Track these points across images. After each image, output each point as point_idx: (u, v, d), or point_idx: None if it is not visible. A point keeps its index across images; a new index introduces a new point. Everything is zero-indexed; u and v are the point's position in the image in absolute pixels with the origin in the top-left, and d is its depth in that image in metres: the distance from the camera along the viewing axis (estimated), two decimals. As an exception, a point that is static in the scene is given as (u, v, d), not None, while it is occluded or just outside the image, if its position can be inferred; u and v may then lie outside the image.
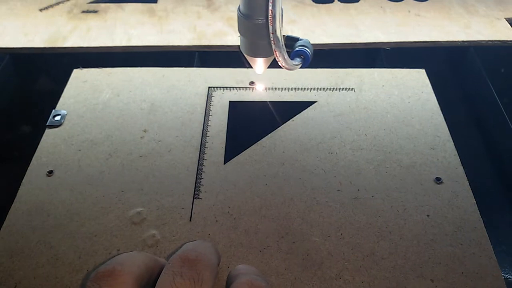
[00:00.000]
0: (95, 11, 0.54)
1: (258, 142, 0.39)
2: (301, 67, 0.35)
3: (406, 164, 0.37)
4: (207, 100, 0.43)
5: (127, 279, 0.23)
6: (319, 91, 0.44)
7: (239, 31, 0.35)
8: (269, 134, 0.40)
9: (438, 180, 0.36)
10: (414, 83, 0.45)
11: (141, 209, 0.34)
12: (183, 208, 0.34)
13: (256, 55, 0.36)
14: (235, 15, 0.52)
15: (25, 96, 0.50)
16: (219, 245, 0.32)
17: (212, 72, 0.46)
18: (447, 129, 0.40)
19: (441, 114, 0.41)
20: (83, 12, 0.54)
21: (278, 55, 0.32)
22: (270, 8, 0.30)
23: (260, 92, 0.43)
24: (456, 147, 0.39)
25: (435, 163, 0.37)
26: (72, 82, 0.45)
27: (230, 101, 0.43)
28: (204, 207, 0.34)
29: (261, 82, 0.44)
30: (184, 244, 0.27)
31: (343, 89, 0.44)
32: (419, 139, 0.39)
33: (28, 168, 0.37)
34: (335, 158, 0.38)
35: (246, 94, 0.43)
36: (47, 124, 0.40)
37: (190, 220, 0.33)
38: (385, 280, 0.30)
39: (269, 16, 0.30)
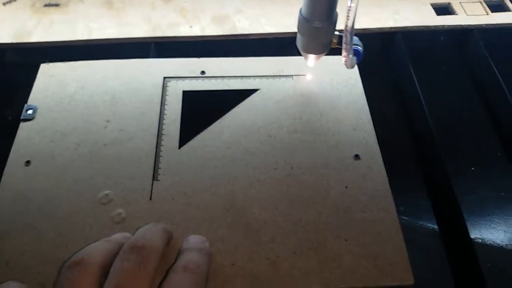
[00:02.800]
0: (56, 5, 0.58)
1: (208, 128, 0.45)
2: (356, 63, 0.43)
3: (332, 144, 0.44)
4: (162, 90, 0.49)
5: (93, 266, 0.30)
6: (262, 79, 0.50)
7: (298, 30, 0.42)
8: (217, 121, 0.46)
9: (356, 157, 0.43)
10: (344, 69, 0.51)
11: (108, 192, 0.40)
12: (144, 189, 0.41)
13: (310, 52, 0.44)
14: (188, 6, 0.58)
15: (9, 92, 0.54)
16: (176, 219, 0.39)
17: (167, 63, 0.51)
18: (368, 111, 0.47)
19: (365, 98, 0.48)
20: (45, 5, 0.58)
21: (346, 61, 0.41)
22: (347, 23, 0.38)
23: (210, 82, 0.49)
24: (378, 128, 0.46)
25: (356, 142, 0.44)
26: (40, 76, 0.50)
27: (183, 91, 0.49)
28: (162, 187, 0.41)
29: (212, 71, 0.50)
30: (139, 228, 0.34)
31: (282, 76, 0.50)
32: (344, 121, 0.46)
33: (8, 160, 0.43)
34: (274, 141, 0.44)
35: (198, 84, 0.49)
36: (21, 118, 0.46)
37: (150, 199, 0.40)
38: (309, 241, 0.38)
39: (345, 29, 0.38)
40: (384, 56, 0.60)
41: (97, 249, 0.32)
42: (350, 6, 0.37)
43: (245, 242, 0.38)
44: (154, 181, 0.41)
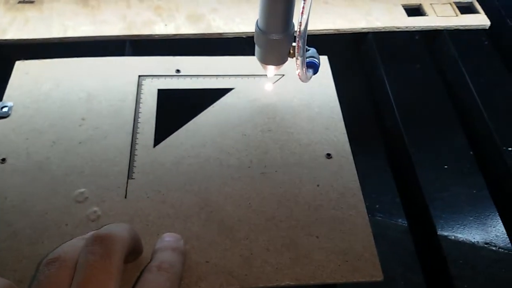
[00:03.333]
0: (31, 2, 0.58)
1: (183, 126, 0.46)
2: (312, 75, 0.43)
3: (304, 142, 0.45)
4: (137, 88, 0.49)
5: (69, 263, 0.30)
6: (237, 78, 0.51)
7: (256, 42, 0.42)
8: (193, 119, 0.47)
9: (328, 156, 0.44)
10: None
11: (83, 190, 0.41)
12: (119, 187, 0.41)
13: (269, 63, 0.44)
14: (162, 4, 0.58)
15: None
16: (150, 217, 0.39)
17: (141, 61, 0.52)
18: (340, 111, 0.48)
19: (337, 99, 0.49)
20: (20, 2, 0.57)
21: (300, 74, 0.41)
22: (298, 40, 0.38)
23: (185, 80, 0.50)
24: (349, 127, 0.47)
25: (328, 141, 0.46)
26: (15, 74, 0.50)
27: (158, 89, 0.49)
28: (137, 185, 0.41)
29: (187, 69, 0.51)
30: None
31: (257, 75, 0.51)
32: (317, 120, 0.47)
33: (-17, 158, 0.43)
34: (248, 139, 0.45)
35: (173, 82, 0.50)
36: (-6, 116, 0.46)
37: (125, 197, 0.41)
38: (281, 238, 0.39)
39: (297, 44, 0.38)
40: (356, 56, 0.61)
41: (73, 247, 0.32)
42: (300, 19, 0.37)
43: (219, 239, 0.38)
44: (129, 180, 0.42)
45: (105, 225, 0.38)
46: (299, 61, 0.40)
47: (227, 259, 0.37)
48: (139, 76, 0.50)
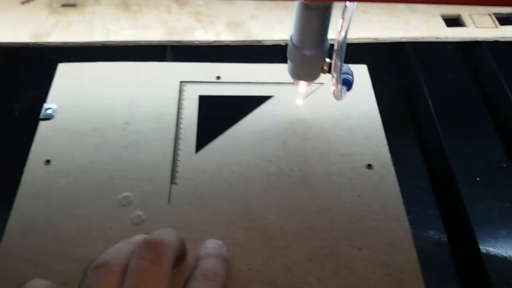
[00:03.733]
0: (73, 5, 0.59)
1: (224, 133, 0.46)
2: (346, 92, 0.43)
3: (344, 152, 0.45)
4: (179, 94, 0.49)
5: (117, 268, 0.30)
6: (276, 86, 0.51)
7: (289, 57, 0.41)
8: (233, 126, 0.47)
9: (369, 166, 0.44)
10: (357, 78, 0.52)
11: (127, 193, 0.41)
12: (162, 192, 0.42)
13: (301, 79, 0.44)
14: (203, 10, 0.59)
15: (13, 87, 0.55)
16: (193, 223, 0.40)
17: (183, 67, 0.52)
18: (380, 121, 0.48)
19: (377, 108, 0.49)
20: (63, 5, 0.58)
21: (335, 91, 0.41)
22: (335, 57, 0.38)
23: (225, 87, 0.50)
24: (388, 137, 0.47)
25: (368, 151, 0.45)
26: (58, 76, 0.50)
27: (199, 95, 0.49)
28: (180, 191, 0.42)
29: (227, 76, 0.51)
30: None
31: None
32: (357, 130, 0.47)
33: (28, 158, 0.43)
34: (288, 148, 0.46)
35: (213, 89, 0.50)
36: (40, 117, 0.47)
37: (169, 203, 0.41)
38: (322, 248, 0.39)
39: (334, 61, 0.38)
40: (394, 66, 0.61)
41: (120, 251, 0.32)
42: (338, 37, 0.36)
43: (261, 248, 0.39)
44: (172, 185, 0.42)
45: (149, 229, 0.38)
46: (334, 79, 0.39)
47: (269, 268, 0.37)
48: (181, 82, 0.51)
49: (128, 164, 0.43)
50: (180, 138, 0.46)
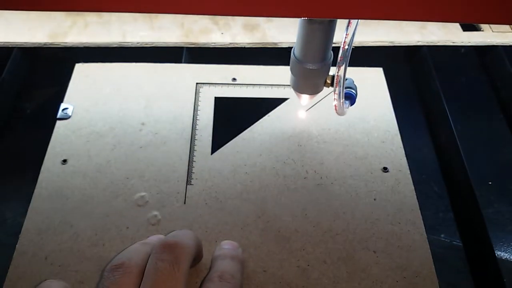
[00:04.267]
0: (91, 6, 0.59)
1: (240, 135, 0.47)
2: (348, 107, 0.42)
3: (360, 155, 0.45)
4: (195, 95, 0.50)
5: (134, 269, 0.31)
6: (292, 88, 0.51)
7: (291, 70, 0.40)
8: (249, 128, 0.47)
9: (385, 169, 0.44)
10: (372, 81, 0.52)
11: (144, 194, 0.41)
12: (178, 193, 0.42)
13: (303, 92, 0.42)
14: (218, 12, 0.59)
15: (31, 87, 0.56)
16: (209, 224, 0.40)
17: (199, 68, 0.53)
18: (396, 124, 0.48)
19: (393, 112, 0.49)
20: (80, 7, 0.59)
21: (337, 106, 0.40)
22: (337, 71, 0.37)
23: (241, 89, 0.50)
24: (403, 140, 0.47)
25: (384, 154, 0.45)
26: (75, 76, 0.51)
27: (215, 97, 0.50)
28: (196, 192, 0.42)
29: (242, 78, 0.51)
30: (170, 232, 0.35)
31: (312, 86, 0.51)
32: (373, 133, 0.47)
33: (45, 157, 0.44)
34: (303, 150, 0.46)
35: (229, 90, 0.50)
36: (57, 117, 0.47)
37: (185, 203, 0.41)
38: (338, 251, 0.39)
39: (336, 75, 0.37)
40: (410, 69, 0.61)
41: (137, 253, 0.33)
42: (341, 52, 0.35)
43: (277, 249, 0.39)
44: (187, 185, 0.42)
45: (165, 229, 0.39)
46: (337, 93, 0.39)
47: (285, 269, 0.37)
48: (197, 83, 0.51)
49: (144, 164, 0.44)
50: (196, 139, 0.46)
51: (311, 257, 0.38)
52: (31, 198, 0.41)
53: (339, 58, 0.36)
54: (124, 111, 0.48)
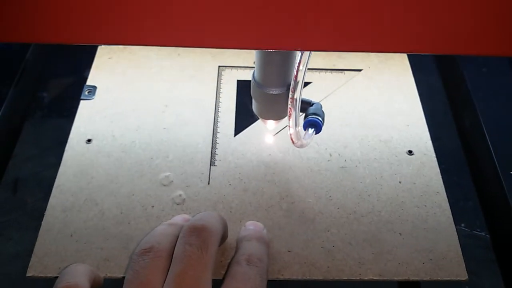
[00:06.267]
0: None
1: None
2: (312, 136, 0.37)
3: (385, 138, 0.45)
4: (217, 78, 0.50)
5: (163, 253, 0.31)
6: (314, 72, 0.51)
7: (252, 95, 0.38)
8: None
9: (410, 153, 0.44)
10: (395, 66, 0.52)
11: (168, 174, 0.42)
12: (202, 174, 0.42)
13: (266, 118, 0.40)
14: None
15: (53, 67, 0.56)
16: (233, 204, 0.40)
17: (220, 52, 0.52)
18: (421, 107, 0.47)
19: (417, 94, 0.48)
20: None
21: (293, 135, 0.36)
22: (291, 97, 0.33)
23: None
24: (428, 123, 0.46)
25: (409, 138, 0.45)
26: (99, 58, 0.51)
27: (237, 80, 0.49)
28: (219, 173, 0.42)
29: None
30: (197, 214, 0.35)
31: (334, 70, 0.51)
32: (397, 116, 0.47)
33: (69, 136, 0.44)
34: (327, 133, 0.45)
35: (251, 73, 0.50)
36: (81, 97, 0.47)
37: (208, 184, 0.41)
38: (363, 233, 0.38)
39: (290, 102, 0.33)
40: (435, 55, 0.60)
41: (164, 236, 0.33)
42: (296, 74, 0.32)
43: (301, 230, 0.38)
44: (211, 166, 0.42)
45: (190, 209, 0.39)
46: (291, 120, 0.35)
47: (309, 250, 0.37)
48: (219, 66, 0.51)
49: (168, 145, 0.44)
50: (218, 122, 0.46)
51: (336, 238, 0.38)
52: (50, 183, 0.41)
53: (290, 91, 0.33)
54: (147, 93, 0.48)
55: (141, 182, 0.41)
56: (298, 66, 0.31)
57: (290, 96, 0.33)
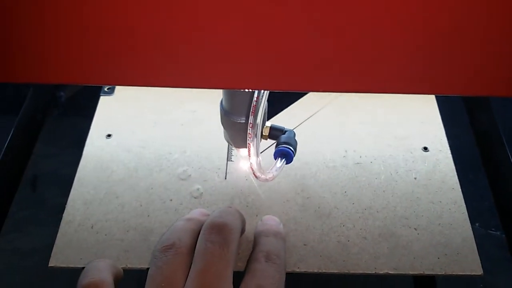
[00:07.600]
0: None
1: (277, 115, 0.47)
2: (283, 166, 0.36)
3: (399, 135, 0.45)
4: (234, 75, 0.50)
5: (184, 250, 0.32)
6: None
7: (222, 123, 0.36)
8: (286, 109, 0.47)
9: (425, 149, 0.44)
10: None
11: (186, 168, 0.42)
12: (219, 169, 0.42)
13: (238, 146, 0.38)
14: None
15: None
16: (249, 198, 0.40)
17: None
18: (436, 103, 0.48)
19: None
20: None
21: (253, 166, 0.34)
22: (250, 126, 0.31)
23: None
24: (443, 121, 0.46)
25: (424, 134, 0.45)
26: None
27: (254, 76, 0.50)
28: (236, 168, 0.43)
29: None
30: (216, 210, 0.35)
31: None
32: (412, 113, 0.47)
33: (90, 131, 0.45)
34: (342, 130, 0.46)
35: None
36: (100, 94, 0.48)
37: (225, 178, 0.42)
38: (378, 228, 0.39)
39: (249, 131, 0.31)
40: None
41: (185, 232, 0.33)
42: (254, 103, 0.30)
43: (316, 225, 0.39)
44: (228, 162, 0.43)
45: (207, 202, 0.40)
46: (252, 150, 0.33)
47: (325, 244, 0.38)
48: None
49: (186, 140, 0.44)
50: (235, 118, 0.46)
51: (351, 233, 0.39)
52: (68, 180, 0.42)
53: (249, 127, 0.31)
54: (165, 90, 0.49)
55: (159, 176, 0.42)
56: (255, 100, 0.30)
57: (250, 121, 0.31)
